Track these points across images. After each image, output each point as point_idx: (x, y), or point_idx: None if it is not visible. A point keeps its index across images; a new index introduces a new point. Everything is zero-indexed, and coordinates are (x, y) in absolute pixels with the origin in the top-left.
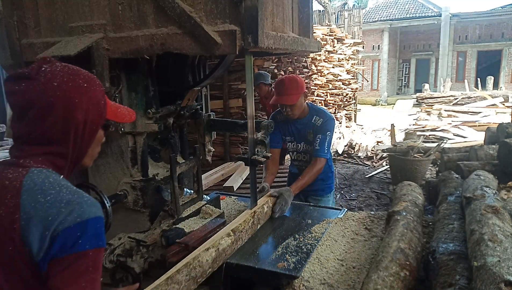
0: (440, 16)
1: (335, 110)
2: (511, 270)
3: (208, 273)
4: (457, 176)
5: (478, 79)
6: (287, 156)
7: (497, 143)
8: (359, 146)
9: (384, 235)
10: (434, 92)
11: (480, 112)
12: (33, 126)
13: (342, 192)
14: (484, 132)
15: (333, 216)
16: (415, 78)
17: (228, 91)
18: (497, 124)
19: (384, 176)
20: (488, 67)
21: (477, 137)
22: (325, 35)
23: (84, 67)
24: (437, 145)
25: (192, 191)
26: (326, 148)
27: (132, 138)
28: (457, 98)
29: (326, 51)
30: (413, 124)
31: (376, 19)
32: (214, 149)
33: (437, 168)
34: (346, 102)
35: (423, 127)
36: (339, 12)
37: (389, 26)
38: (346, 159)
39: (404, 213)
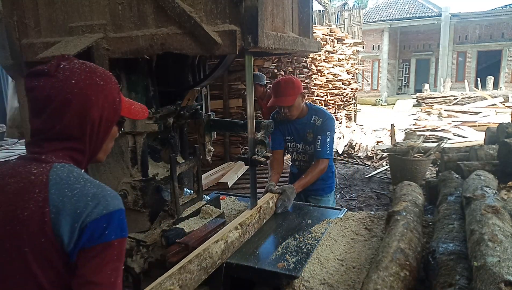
0: (440, 16)
1: (335, 110)
2: (511, 270)
3: (217, 264)
4: (457, 176)
5: (478, 79)
6: (287, 156)
7: (497, 143)
8: (359, 146)
9: (384, 235)
10: (434, 92)
11: (480, 112)
12: (51, 122)
13: (342, 192)
14: (484, 132)
15: (333, 216)
16: (415, 78)
17: (228, 91)
18: (497, 124)
19: (384, 176)
20: (488, 67)
21: (477, 137)
22: (325, 35)
23: None
24: (437, 145)
25: (192, 191)
26: (328, 149)
27: (132, 138)
28: (457, 98)
29: (326, 51)
30: (413, 124)
31: (376, 19)
32: (214, 149)
33: (437, 168)
34: (346, 102)
35: (423, 127)
36: (339, 12)
37: (389, 26)
38: (346, 159)
39: (404, 213)
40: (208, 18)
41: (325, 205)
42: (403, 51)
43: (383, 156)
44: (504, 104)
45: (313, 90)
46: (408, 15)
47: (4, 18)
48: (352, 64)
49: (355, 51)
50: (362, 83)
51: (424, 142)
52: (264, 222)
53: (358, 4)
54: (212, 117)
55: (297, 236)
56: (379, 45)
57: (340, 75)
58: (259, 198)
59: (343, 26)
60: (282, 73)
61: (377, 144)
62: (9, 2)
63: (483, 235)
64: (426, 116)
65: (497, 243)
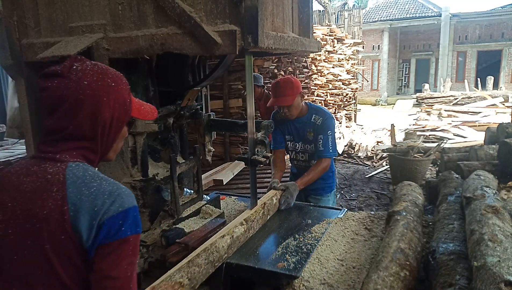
0: (440, 16)
1: (335, 110)
2: (511, 270)
3: (224, 258)
4: (457, 176)
5: (478, 79)
6: (287, 156)
7: (497, 143)
8: (359, 146)
9: (384, 235)
10: (434, 92)
11: (480, 112)
12: (64, 122)
13: (342, 192)
14: (484, 132)
15: (333, 216)
16: (415, 78)
17: (228, 91)
18: (497, 124)
19: (384, 176)
20: (488, 67)
21: (477, 137)
22: (325, 35)
23: None
24: (437, 145)
25: (192, 191)
26: (331, 147)
27: (132, 138)
28: (457, 98)
29: (326, 51)
30: (413, 124)
31: (376, 19)
32: (214, 149)
33: (437, 168)
34: (346, 102)
35: (423, 127)
36: (339, 12)
37: (389, 26)
38: (346, 159)
39: (404, 213)
40: (208, 18)
41: (325, 204)
42: (403, 51)
43: (383, 156)
44: (504, 104)
45: (313, 90)
46: (408, 15)
47: (4, 18)
48: (352, 64)
49: (355, 51)
50: (362, 83)
51: (424, 142)
52: (268, 218)
53: (358, 4)
54: (212, 117)
55: (297, 236)
56: (379, 45)
57: (340, 75)
58: (259, 198)
59: (343, 26)
60: (282, 73)
61: (377, 144)
62: (9, 2)
63: (483, 235)
64: (426, 116)
65: (497, 243)
